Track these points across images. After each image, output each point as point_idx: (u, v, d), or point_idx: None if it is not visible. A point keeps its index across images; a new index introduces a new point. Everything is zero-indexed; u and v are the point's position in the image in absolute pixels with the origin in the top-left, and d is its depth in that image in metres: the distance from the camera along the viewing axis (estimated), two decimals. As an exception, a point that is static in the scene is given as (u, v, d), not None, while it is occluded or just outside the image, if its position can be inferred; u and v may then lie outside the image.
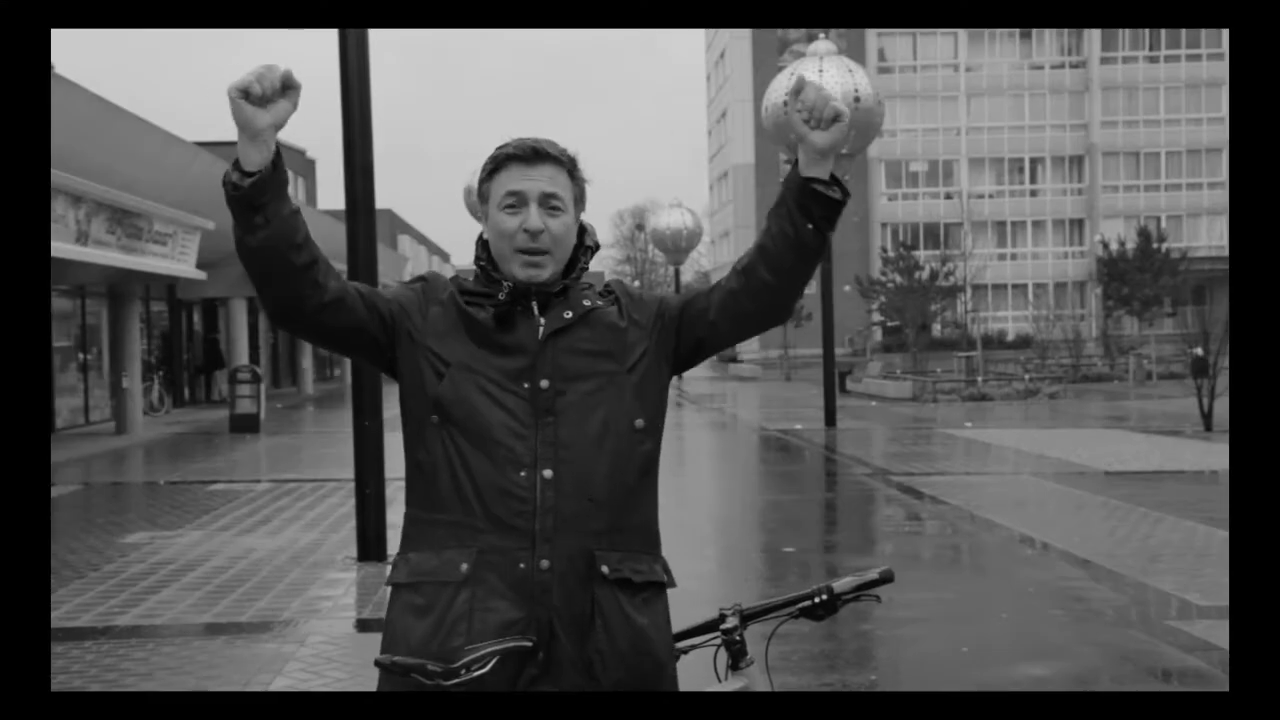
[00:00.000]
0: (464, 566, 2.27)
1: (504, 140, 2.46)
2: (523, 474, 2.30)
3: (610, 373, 2.38)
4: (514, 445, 2.30)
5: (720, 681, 2.53)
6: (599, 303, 2.45)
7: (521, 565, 2.28)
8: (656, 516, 2.47)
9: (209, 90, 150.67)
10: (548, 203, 2.38)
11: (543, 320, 2.37)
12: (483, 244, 2.46)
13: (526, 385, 2.33)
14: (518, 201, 2.37)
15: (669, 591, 2.46)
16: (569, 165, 2.43)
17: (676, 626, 2.53)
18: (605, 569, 2.32)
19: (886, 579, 2.59)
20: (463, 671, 2.10)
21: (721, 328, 2.47)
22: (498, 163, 2.41)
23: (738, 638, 2.52)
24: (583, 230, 2.49)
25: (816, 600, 2.57)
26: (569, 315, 2.39)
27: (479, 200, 2.45)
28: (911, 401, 29.03)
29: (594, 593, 2.31)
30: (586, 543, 2.31)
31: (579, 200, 2.46)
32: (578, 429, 2.33)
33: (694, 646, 2.57)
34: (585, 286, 2.48)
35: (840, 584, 2.60)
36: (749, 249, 2.45)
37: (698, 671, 2.64)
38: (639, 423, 2.40)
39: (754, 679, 2.52)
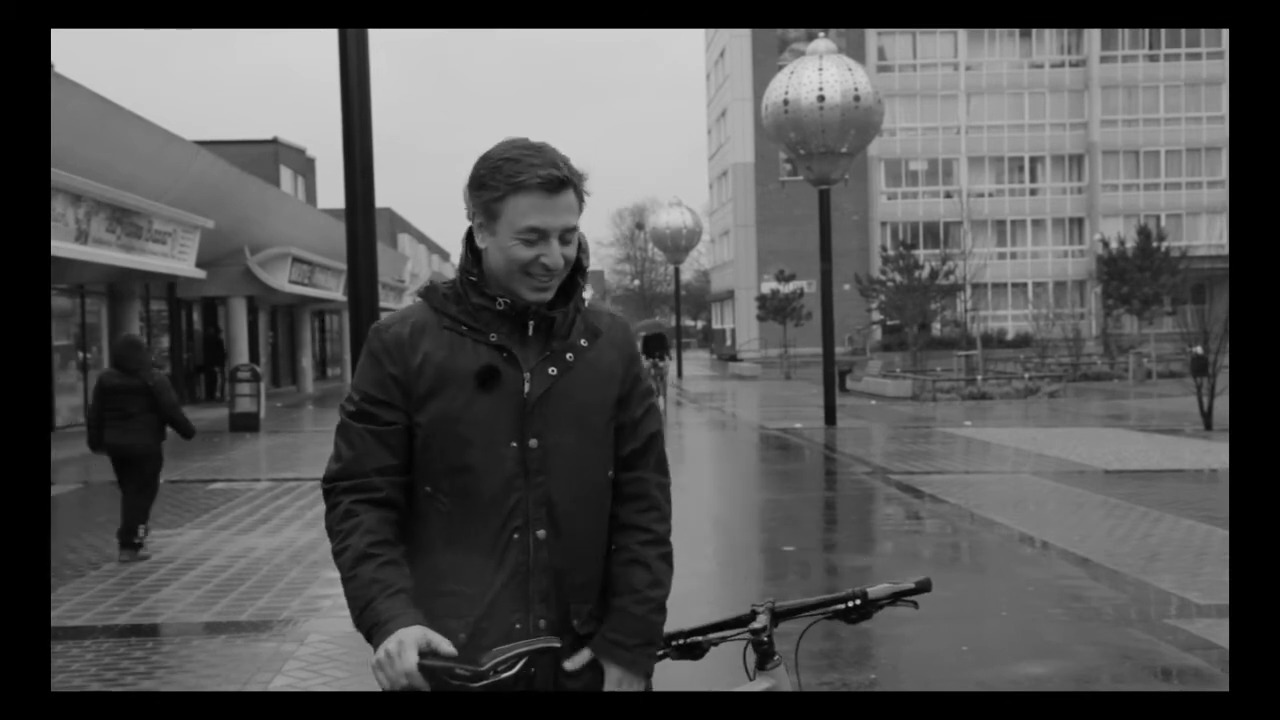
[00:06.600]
0: (461, 637, 2.25)
1: (506, 143, 2.31)
2: (516, 536, 2.29)
3: (593, 426, 2.36)
4: (505, 507, 2.28)
5: (750, 680, 2.53)
6: (583, 341, 2.38)
7: (518, 626, 2.28)
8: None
9: (209, 90, 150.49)
10: (565, 235, 2.30)
11: (528, 376, 2.31)
12: (472, 253, 2.36)
13: (514, 445, 2.29)
14: (538, 237, 2.27)
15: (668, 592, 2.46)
16: (578, 184, 2.34)
17: (675, 625, 2.53)
18: (576, 623, 2.34)
19: (923, 588, 2.58)
20: (490, 674, 2.12)
21: None
22: (516, 186, 2.26)
23: (765, 639, 2.51)
24: (580, 248, 2.39)
25: (850, 604, 2.57)
26: (554, 371, 2.33)
27: (485, 216, 2.31)
28: (911, 400, 29.02)
29: (569, 645, 2.33)
30: (570, 597, 2.33)
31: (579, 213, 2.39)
32: (567, 487, 2.31)
33: (724, 639, 2.56)
34: (575, 312, 2.41)
35: (875, 590, 2.60)
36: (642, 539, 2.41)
37: (723, 670, 2.62)
38: (610, 473, 2.41)
39: (781, 680, 2.51)
